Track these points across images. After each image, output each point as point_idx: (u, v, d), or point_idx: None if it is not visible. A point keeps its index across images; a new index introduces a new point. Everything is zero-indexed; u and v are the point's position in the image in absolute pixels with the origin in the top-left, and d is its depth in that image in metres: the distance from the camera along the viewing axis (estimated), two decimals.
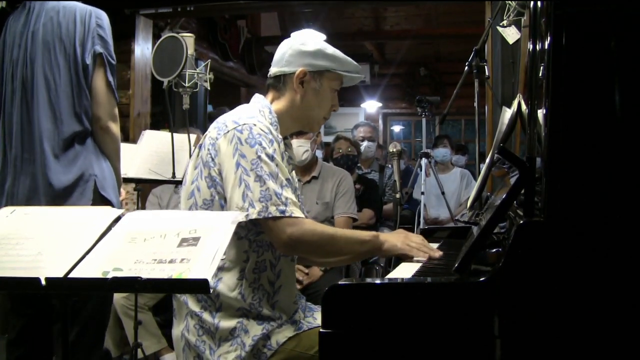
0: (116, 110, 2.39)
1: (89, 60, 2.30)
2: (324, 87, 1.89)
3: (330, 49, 1.89)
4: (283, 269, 1.82)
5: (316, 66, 1.86)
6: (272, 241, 1.76)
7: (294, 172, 2.03)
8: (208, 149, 1.76)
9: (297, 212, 1.70)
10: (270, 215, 1.67)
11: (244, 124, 1.73)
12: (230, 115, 1.81)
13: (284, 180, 1.71)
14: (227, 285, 1.75)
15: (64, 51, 2.29)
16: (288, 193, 1.70)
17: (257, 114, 1.83)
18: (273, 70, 1.92)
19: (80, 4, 2.36)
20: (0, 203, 2.28)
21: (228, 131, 1.73)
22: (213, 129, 1.79)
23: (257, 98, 1.92)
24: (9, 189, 2.29)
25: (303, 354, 1.73)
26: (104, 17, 2.37)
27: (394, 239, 1.86)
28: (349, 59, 1.91)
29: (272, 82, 1.92)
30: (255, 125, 1.73)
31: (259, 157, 1.69)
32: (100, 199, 2.29)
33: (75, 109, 2.29)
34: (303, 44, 1.88)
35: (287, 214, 1.68)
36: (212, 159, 1.74)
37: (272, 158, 1.71)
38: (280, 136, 1.85)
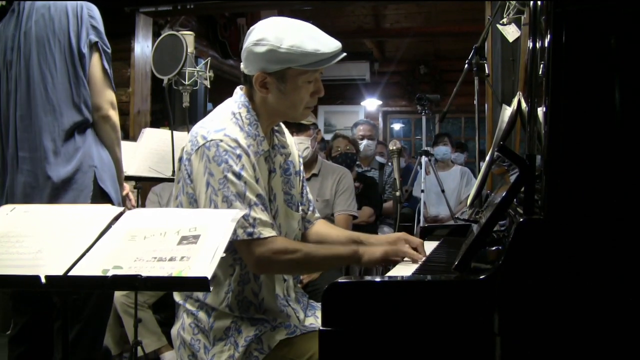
0: (114, 98, 2.40)
1: (85, 49, 2.31)
2: (291, 85, 1.73)
3: (287, 44, 1.66)
4: (264, 281, 1.80)
5: (273, 69, 1.70)
6: (245, 262, 1.74)
7: (294, 155, 1.97)
8: (185, 165, 1.74)
9: (267, 232, 1.66)
10: (238, 238, 1.64)
11: (211, 140, 1.67)
12: (203, 126, 1.74)
13: (252, 198, 1.65)
14: (214, 299, 1.76)
15: (58, 44, 2.29)
16: (256, 213, 1.65)
17: (229, 121, 1.74)
18: (241, 65, 1.80)
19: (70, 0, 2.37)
20: (0, 203, 2.28)
21: (199, 147, 1.68)
22: (188, 142, 1.74)
23: (236, 95, 1.83)
24: (8, 189, 2.30)
25: None
26: (94, 8, 2.38)
27: (372, 250, 1.82)
28: (314, 44, 1.67)
29: (243, 78, 1.82)
30: (222, 140, 1.66)
31: (225, 176, 1.64)
32: (99, 192, 2.29)
33: (74, 100, 2.30)
34: (256, 44, 1.69)
35: (255, 236, 1.64)
36: (189, 176, 1.72)
37: (239, 176, 1.65)
38: (261, 134, 1.78)
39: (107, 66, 2.36)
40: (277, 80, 1.73)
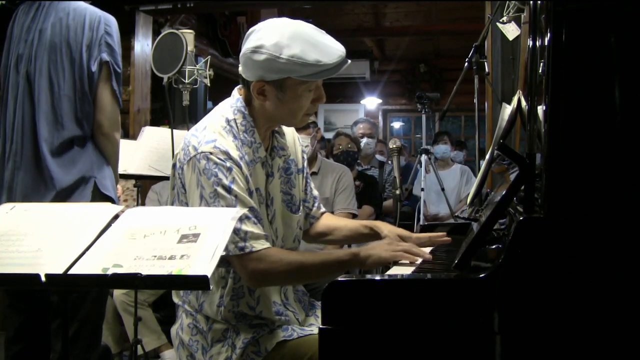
0: (119, 118, 2.39)
1: (94, 68, 2.29)
2: (291, 94, 1.66)
3: (286, 54, 1.58)
4: (262, 294, 1.76)
5: (271, 78, 1.63)
6: (240, 276, 1.70)
7: (297, 152, 1.94)
8: (178, 173, 1.70)
9: (259, 245, 1.61)
10: (230, 254, 1.60)
11: (201, 153, 1.62)
12: (196, 134, 1.69)
13: (244, 211, 1.60)
14: (208, 312, 1.75)
15: (69, 55, 2.27)
16: (247, 226, 1.60)
17: (222, 130, 1.69)
18: (239, 67, 1.73)
19: (90, 8, 2.34)
20: (0, 196, 2.28)
21: (190, 158, 1.64)
22: (181, 150, 1.70)
23: (232, 99, 1.77)
24: (8, 183, 2.28)
25: None
26: (113, 23, 2.36)
27: (377, 250, 1.71)
28: (316, 54, 1.59)
29: (241, 80, 1.75)
30: (212, 153, 1.61)
31: (215, 190, 1.60)
32: (100, 198, 2.29)
33: (77, 114, 2.29)
34: (254, 52, 1.61)
35: (247, 250, 1.59)
36: (182, 186, 1.70)
37: (229, 190, 1.60)
38: (257, 140, 1.73)
39: (115, 86, 2.33)
40: (276, 89, 1.66)
